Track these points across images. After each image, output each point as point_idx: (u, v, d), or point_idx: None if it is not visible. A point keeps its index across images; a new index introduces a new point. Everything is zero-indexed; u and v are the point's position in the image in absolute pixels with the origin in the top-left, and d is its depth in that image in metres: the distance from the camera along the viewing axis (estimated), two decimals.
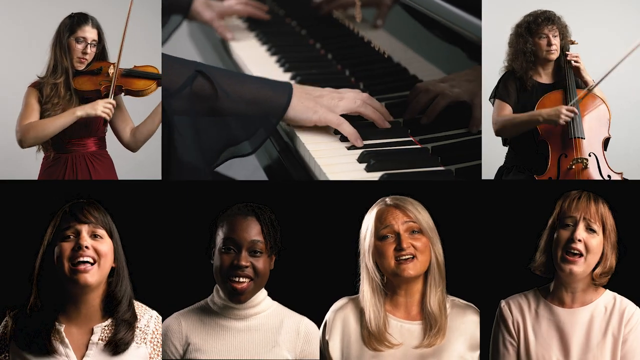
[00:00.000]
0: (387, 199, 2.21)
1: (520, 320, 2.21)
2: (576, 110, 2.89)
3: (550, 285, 2.22)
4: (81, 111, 2.79)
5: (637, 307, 2.17)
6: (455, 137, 2.45)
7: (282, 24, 3.48)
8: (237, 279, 2.15)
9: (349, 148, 2.41)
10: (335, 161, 2.36)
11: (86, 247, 2.05)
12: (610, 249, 2.16)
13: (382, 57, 2.80)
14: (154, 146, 2.75)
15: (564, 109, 2.86)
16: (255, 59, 3.10)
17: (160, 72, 2.91)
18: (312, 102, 2.45)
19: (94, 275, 2.06)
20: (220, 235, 2.19)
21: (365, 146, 2.41)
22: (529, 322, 2.20)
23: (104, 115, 2.79)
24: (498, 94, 3.04)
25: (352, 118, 2.50)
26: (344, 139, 2.45)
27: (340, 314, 2.22)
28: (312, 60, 3.05)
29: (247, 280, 2.16)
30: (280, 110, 2.42)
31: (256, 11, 3.45)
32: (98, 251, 2.07)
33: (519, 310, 2.22)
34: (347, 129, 2.44)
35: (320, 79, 2.81)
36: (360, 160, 2.35)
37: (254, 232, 2.18)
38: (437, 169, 2.35)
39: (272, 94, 2.43)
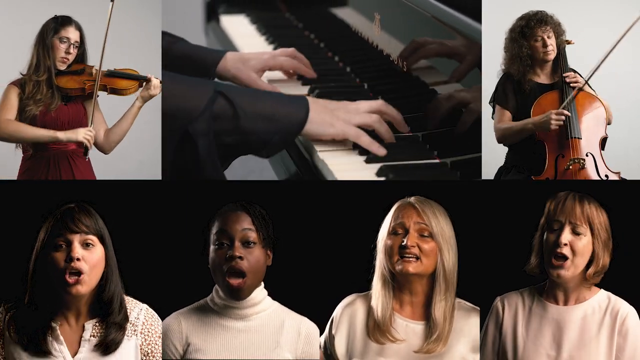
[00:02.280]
0: (412, 198, 2.22)
1: (511, 317, 2.22)
2: (566, 112, 2.88)
3: (546, 283, 2.23)
4: (63, 135, 2.89)
5: (631, 308, 2.17)
6: (474, 151, 2.43)
7: (301, 36, 3.47)
8: (233, 271, 2.15)
9: (367, 161, 2.40)
10: (354, 175, 2.33)
11: (77, 259, 2.07)
12: (602, 247, 2.16)
13: (401, 70, 2.78)
14: (154, 146, 2.76)
15: (553, 115, 2.86)
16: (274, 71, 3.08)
17: (138, 73, 2.99)
18: (328, 116, 2.43)
19: (85, 285, 2.08)
20: (213, 235, 2.19)
21: (383, 160, 2.40)
22: (522, 319, 2.21)
23: (84, 141, 2.89)
24: (497, 98, 3.04)
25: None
26: (362, 152, 2.43)
27: (348, 309, 2.24)
28: (330, 74, 3.03)
29: (241, 275, 2.15)
30: (299, 125, 2.40)
31: (303, 66, 3.03)
32: (88, 261, 2.08)
33: (513, 307, 2.23)
34: (365, 140, 2.42)
35: (339, 92, 2.80)
36: (379, 174, 2.33)
37: (244, 223, 2.18)
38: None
39: (289, 109, 2.41)
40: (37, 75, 2.92)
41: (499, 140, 3.03)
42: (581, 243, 2.13)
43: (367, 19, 3.04)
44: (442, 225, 2.18)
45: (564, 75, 2.99)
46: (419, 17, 2.61)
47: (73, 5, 3.10)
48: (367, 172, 2.34)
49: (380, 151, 2.40)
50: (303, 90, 2.90)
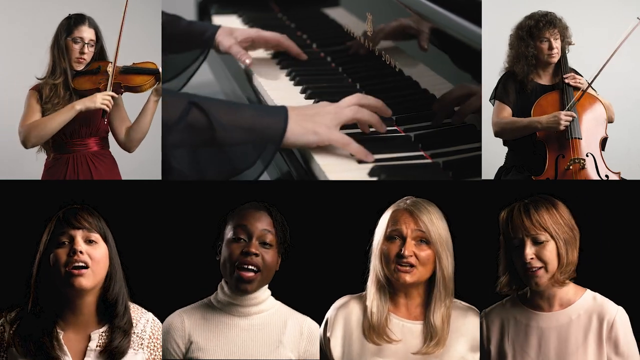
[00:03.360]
0: (408, 201, 2.20)
1: (497, 332, 2.21)
2: (574, 114, 2.89)
3: (528, 291, 2.20)
4: (80, 104, 2.83)
5: (619, 308, 2.13)
6: (467, 151, 2.43)
7: (293, 37, 3.46)
8: (246, 266, 2.15)
9: (359, 162, 2.39)
10: (346, 175, 2.32)
11: (80, 252, 2.05)
12: (564, 245, 2.12)
13: (394, 70, 2.78)
14: (154, 146, 2.76)
15: (562, 115, 2.87)
16: (265, 71, 3.07)
17: (156, 66, 2.95)
18: (310, 123, 2.36)
19: (89, 279, 2.06)
20: (229, 228, 2.19)
21: (376, 160, 2.38)
22: (507, 332, 2.19)
23: (102, 106, 2.83)
24: (498, 95, 3.04)
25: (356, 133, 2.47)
26: None
27: (342, 311, 2.23)
28: (322, 74, 3.03)
29: (254, 269, 2.15)
30: (278, 136, 2.33)
31: (286, 43, 3.12)
32: (92, 256, 2.07)
33: (498, 326, 2.21)
34: (354, 147, 2.36)
35: (331, 93, 2.79)
36: (371, 174, 2.33)
37: (265, 223, 2.19)
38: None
39: (268, 120, 2.34)
40: (54, 79, 2.89)
41: (497, 134, 3.03)
42: (547, 250, 2.11)
43: (358, 19, 3.04)
44: (439, 231, 2.17)
45: (564, 76, 3.00)
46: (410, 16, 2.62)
47: (89, 2, 3.08)
48: (359, 172, 2.33)
49: (369, 158, 2.35)
50: (295, 90, 2.90)
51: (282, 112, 2.36)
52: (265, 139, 2.32)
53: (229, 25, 3.31)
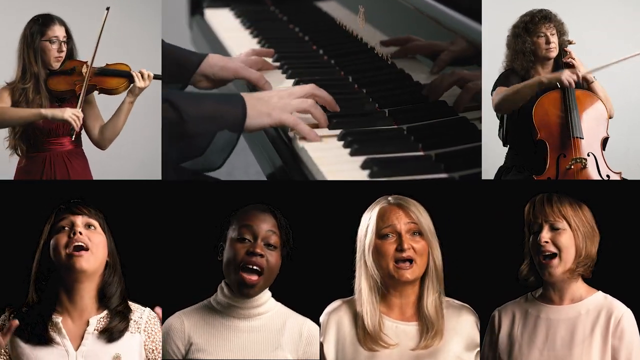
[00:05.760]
0: (390, 198, 2.20)
1: (508, 324, 2.22)
2: (579, 74, 2.90)
3: (541, 289, 2.22)
4: (47, 111, 2.84)
5: (627, 309, 2.15)
6: (459, 143, 2.44)
7: (285, 29, 3.47)
8: (250, 267, 2.15)
9: (351, 154, 2.40)
10: (339, 168, 2.33)
11: (80, 232, 2.10)
12: (583, 239, 2.14)
13: (386, 63, 2.79)
14: (154, 146, 2.76)
15: (566, 72, 2.88)
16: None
17: (129, 69, 2.93)
18: (264, 106, 2.47)
19: (89, 261, 2.10)
20: (233, 227, 2.19)
21: (369, 153, 2.40)
22: (518, 323, 2.21)
23: (70, 119, 2.83)
24: (497, 84, 3.03)
25: None
26: (346, 145, 2.44)
27: (334, 316, 2.21)
28: (315, 67, 3.03)
29: (258, 271, 2.16)
30: (239, 123, 2.43)
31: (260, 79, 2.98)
32: (91, 240, 2.11)
33: (510, 315, 2.22)
34: (304, 128, 2.46)
35: (323, 85, 2.81)
36: (364, 167, 2.33)
37: (270, 224, 2.19)
38: (441, 176, 2.34)
39: (227, 108, 2.45)
40: (23, 83, 2.89)
41: (497, 106, 2.99)
42: (563, 238, 2.14)
43: (351, 12, 3.05)
44: (428, 222, 2.18)
45: (564, 50, 3.02)
46: (403, 9, 2.62)
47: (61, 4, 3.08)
48: (351, 165, 2.34)
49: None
50: (288, 83, 2.90)
51: (239, 100, 2.47)
52: (226, 126, 2.43)
53: (223, 20, 3.33)
